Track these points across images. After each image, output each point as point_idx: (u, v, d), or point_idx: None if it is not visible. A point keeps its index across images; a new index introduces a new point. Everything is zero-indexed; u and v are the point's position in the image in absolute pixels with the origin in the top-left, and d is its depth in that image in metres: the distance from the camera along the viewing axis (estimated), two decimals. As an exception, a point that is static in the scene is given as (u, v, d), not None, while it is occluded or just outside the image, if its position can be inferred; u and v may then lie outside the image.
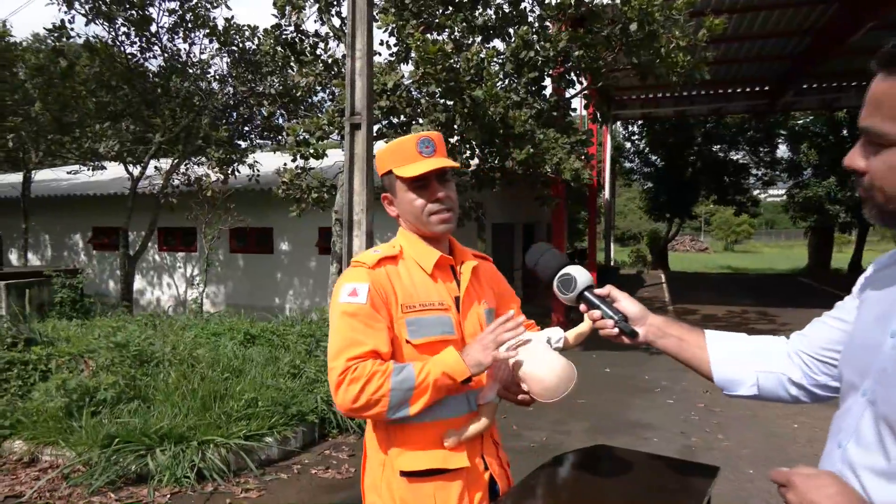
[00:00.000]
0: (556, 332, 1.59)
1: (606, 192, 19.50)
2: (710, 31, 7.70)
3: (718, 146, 24.43)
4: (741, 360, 1.27)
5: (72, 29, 9.61)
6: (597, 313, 1.37)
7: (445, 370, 1.46)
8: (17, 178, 13.09)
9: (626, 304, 1.36)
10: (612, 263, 20.37)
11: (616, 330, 1.33)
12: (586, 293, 1.40)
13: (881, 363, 0.91)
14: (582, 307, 1.41)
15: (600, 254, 21.50)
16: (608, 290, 1.39)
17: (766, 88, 17.41)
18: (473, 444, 1.62)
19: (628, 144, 26.64)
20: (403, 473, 1.56)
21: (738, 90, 17.79)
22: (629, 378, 7.10)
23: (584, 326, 1.59)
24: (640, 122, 23.57)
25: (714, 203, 29.21)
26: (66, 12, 9.16)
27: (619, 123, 23.67)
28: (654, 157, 25.49)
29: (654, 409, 5.91)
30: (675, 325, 1.34)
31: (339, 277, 1.62)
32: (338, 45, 8.74)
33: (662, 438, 5.06)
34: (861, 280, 1.09)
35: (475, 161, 8.51)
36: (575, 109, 9.41)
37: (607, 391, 6.58)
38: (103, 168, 12.11)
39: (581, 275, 1.42)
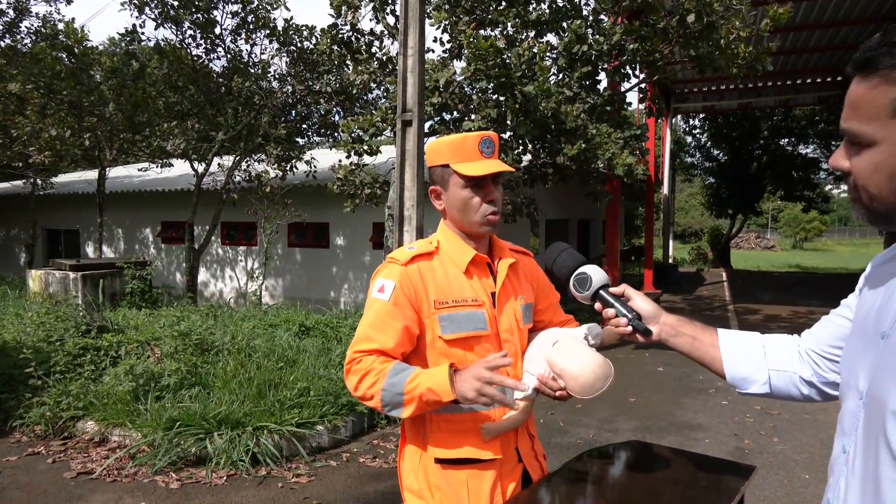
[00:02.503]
0: (593, 329, 1.61)
1: (665, 188, 19.00)
2: (773, 20, 7.42)
3: (786, 139, 23.40)
4: (753, 358, 1.28)
5: (142, 33, 10.13)
6: (611, 311, 1.39)
7: (431, 386, 1.46)
8: (92, 174, 13.87)
9: (640, 302, 1.38)
10: (670, 261, 19.85)
11: (630, 328, 1.35)
12: (601, 292, 1.43)
13: (873, 364, 0.91)
14: (597, 305, 1.44)
15: (658, 251, 20.99)
16: (623, 288, 1.41)
17: (839, 79, 16.57)
18: (508, 436, 1.66)
19: (689, 138, 25.85)
20: (438, 460, 1.62)
21: (808, 81, 16.99)
22: (683, 377, 6.95)
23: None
24: (701, 115, 22.83)
25: (781, 199, 28.00)
26: (137, 17, 9.65)
27: (679, 117, 23.02)
28: (716, 152, 24.65)
29: (706, 410, 5.77)
30: (688, 324, 1.36)
31: (376, 269, 1.69)
32: (392, 43, 8.87)
33: (714, 440, 4.95)
34: (862, 278, 1.09)
35: (527, 157, 8.48)
36: (630, 104, 9.24)
37: (659, 390, 6.47)
38: (171, 165, 12.69)
39: (596, 274, 1.45)
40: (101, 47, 13.57)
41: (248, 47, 10.68)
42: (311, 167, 10.73)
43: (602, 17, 8.14)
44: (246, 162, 11.09)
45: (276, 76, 11.18)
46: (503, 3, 7.78)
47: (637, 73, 8.92)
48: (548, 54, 7.82)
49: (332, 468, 4.36)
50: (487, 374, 1.41)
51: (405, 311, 1.58)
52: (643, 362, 7.73)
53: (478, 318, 1.61)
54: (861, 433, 0.92)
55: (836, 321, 1.16)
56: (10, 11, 10.95)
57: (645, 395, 6.25)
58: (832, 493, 1.00)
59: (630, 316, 1.36)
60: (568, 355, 1.51)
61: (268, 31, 10.36)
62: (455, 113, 8.06)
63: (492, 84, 7.23)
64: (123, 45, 10.55)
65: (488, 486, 1.61)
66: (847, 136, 0.91)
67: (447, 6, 7.76)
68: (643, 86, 10.39)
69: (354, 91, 9.91)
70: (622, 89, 8.99)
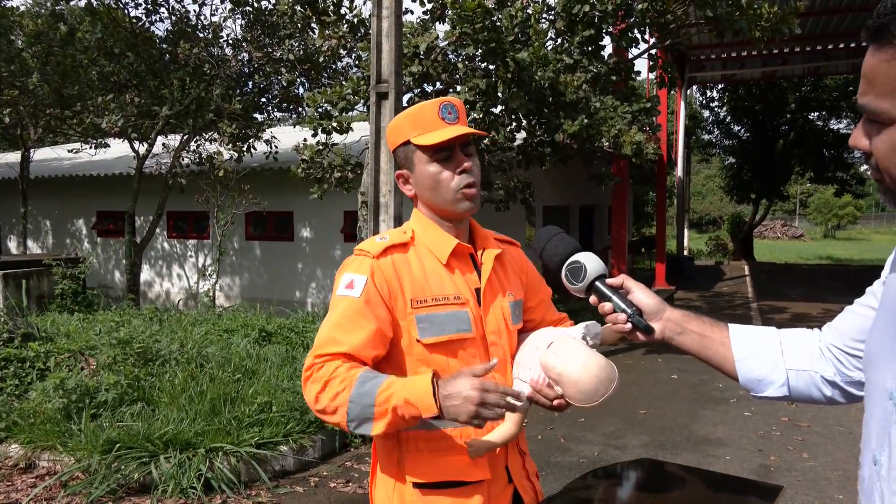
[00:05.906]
0: (592, 327, 1.60)
1: (679, 170, 19.13)
2: (801, -24, 7.49)
3: (816, 113, 23.66)
4: (769, 357, 1.28)
5: (71, -10, 9.99)
6: (608, 306, 1.39)
7: (409, 398, 1.38)
8: (14, 157, 13.66)
9: (641, 296, 1.38)
10: (684, 253, 20.03)
11: (629, 325, 1.35)
12: (597, 283, 1.42)
13: None
14: (592, 299, 1.43)
15: (672, 241, 21.16)
16: (622, 279, 1.41)
17: (875, 44, 16.76)
18: (496, 454, 1.64)
19: (706, 113, 26.06)
20: (417, 485, 1.60)
21: (841, 46, 17.15)
22: (700, 385, 7.02)
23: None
24: (720, 85, 23.01)
25: (811, 181, 28.35)
26: (64, -28, 9.51)
27: (694, 88, 23.15)
28: (737, 128, 24.86)
29: (727, 423, 5.84)
30: (695, 320, 1.36)
31: (341, 264, 1.67)
32: (364, 3, 8.82)
33: (735, 457, 5.00)
34: (887, 263, 1.08)
35: (521, 134, 8.49)
36: (639, 73, 9.27)
37: (673, 400, 6.53)
38: (107, 146, 12.53)
39: (591, 263, 1.44)
40: (22, 8, 13.34)
41: (195, 8, 10.59)
42: (271, 147, 10.65)
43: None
44: (195, 141, 10.98)
45: (230, 41, 11.07)
46: (492, -43, 7.77)
47: (647, 37, 8.94)
48: (544, 16, 7.82)
49: (299, 494, 4.35)
50: (480, 394, 1.34)
51: (378, 311, 1.55)
52: (655, 368, 7.79)
53: (461, 319, 1.60)
54: (895, 440, 0.92)
55: (860, 312, 1.16)
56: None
57: (657, 406, 6.31)
58: None
59: (629, 311, 1.36)
60: (565, 358, 1.50)
61: (219, -11, 10.27)
62: (438, 84, 8.04)
63: (480, 50, 7.20)
64: (49, 5, 10.39)
65: None
66: (865, 112, 0.91)
67: (428, -41, 7.74)
68: (654, 52, 10.42)
69: (321, 59, 9.84)
70: (630, 56, 9.01)
